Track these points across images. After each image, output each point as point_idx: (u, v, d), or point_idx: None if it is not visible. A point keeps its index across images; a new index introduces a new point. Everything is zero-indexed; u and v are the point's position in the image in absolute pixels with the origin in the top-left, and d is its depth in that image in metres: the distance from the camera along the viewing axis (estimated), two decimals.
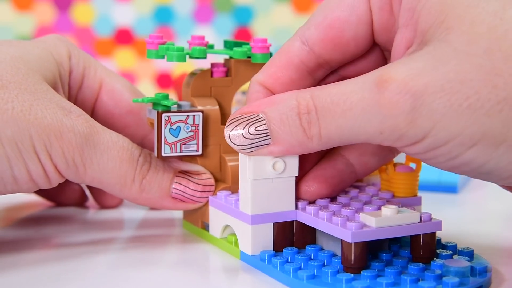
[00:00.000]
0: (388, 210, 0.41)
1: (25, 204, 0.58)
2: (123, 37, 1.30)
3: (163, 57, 0.49)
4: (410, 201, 0.46)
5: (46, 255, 0.47)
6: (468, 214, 0.58)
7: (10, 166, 0.43)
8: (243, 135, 0.40)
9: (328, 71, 0.43)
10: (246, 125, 0.40)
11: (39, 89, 0.45)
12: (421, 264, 0.41)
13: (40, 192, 0.57)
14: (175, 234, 0.51)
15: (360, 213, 0.41)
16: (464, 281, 0.39)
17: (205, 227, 0.50)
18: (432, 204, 0.59)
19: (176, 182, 0.48)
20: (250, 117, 0.40)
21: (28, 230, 0.52)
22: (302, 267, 0.41)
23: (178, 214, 0.54)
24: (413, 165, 0.48)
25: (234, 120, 0.41)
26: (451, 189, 0.62)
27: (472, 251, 0.43)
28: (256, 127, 0.40)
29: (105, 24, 1.30)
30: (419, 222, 0.41)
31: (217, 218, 0.48)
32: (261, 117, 0.40)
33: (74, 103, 0.52)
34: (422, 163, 0.48)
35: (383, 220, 0.40)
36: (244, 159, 0.44)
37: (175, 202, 0.49)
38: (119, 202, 0.57)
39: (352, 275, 0.39)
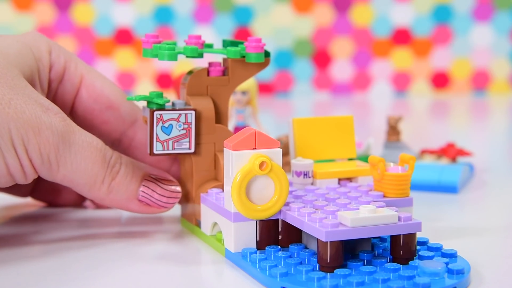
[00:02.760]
0: (366, 210, 0.40)
1: (23, 204, 0.58)
2: (123, 37, 1.30)
3: (157, 55, 0.49)
4: (401, 202, 0.46)
5: (44, 250, 0.47)
6: (468, 214, 0.58)
7: None
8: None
9: None
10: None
11: (17, 84, 0.45)
12: (398, 265, 0.40)
13: (37, 195, 0.57)
14: (172, 231, 0.51)
15: (337, 212, 0.41)
16: (438, 282, 0.38)
17: (199, 224, 0.50)
18: (432, 204, 0.59)
19: (144, 185, 0.48)
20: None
21: (24, 227, 0.52)
22: (279, 265, 0.41)
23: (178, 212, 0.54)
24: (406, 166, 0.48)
25: None
26: (451, 189, 0.62)
27: (456, 252, 0.42)
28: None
29: (105, 24, 1.30)
30: (397, 223, 0.40)
31: (207, 216, 0.48)
32: None
33: (54, 97, 0.52)
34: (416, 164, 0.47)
35: (358, 219, 0.39)
36: (227, 157, 0.44)
37: (140, 205, 0.48)
38: None
39: (324, 273, 0.39)
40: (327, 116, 0.51)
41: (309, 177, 0.49)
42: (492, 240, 0.49)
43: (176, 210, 0.54)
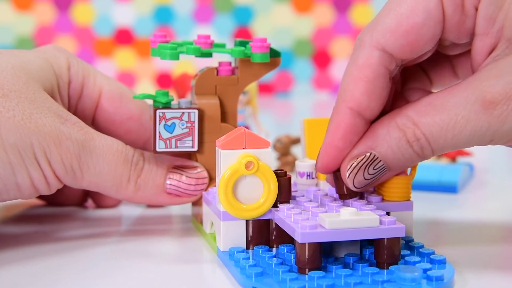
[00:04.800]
0: (347, 212, 0.39)
1: (24, 202, 0.58)
2: (123, 37, 1.31)
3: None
4: (400, 206, 0.44)
5: (45, 249, 0.46)
6: (468, 214, 0.57)
7: (14, 172, 0.44)
8: (364, 178, 0.42)
9: (400, 68, 0.44)
10: (364, 169, 0.42)
11: (38, 97, 0.46)
12: (376, 269, 0.38)
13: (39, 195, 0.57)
14: (181, 230, 0.51)
15: (318, 214, 0.39)
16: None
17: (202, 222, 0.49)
18: (432, 204, 0.59)
19: (170, 178, 0.48)
20: (364, 161, 0.42)
21: (27, 226, 0.52)
22: (260, 265, 0.40)
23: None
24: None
25: (351, 168, 0.42)
26: (451, 189, 0.61)
27: (444, 259, 0.41)
28: (374, 167, 0.42)
29: (105, 24, 1.30)
30: (378, 226, 0.39)
31: (206, 214, 0.47)
32: (375, 156, 0.41)
33: (75, 112, 0.52)
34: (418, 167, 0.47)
35: (337, 222, 0.38)
36: (218, 157, 0.43)
37: (170, 197, 0.49)
38: (118, 202, 0.57)
39: (296, 275, 0.38)
40: None
41: (313, 178, 0.48)
42: (492, 240, 0.49)
43: (187, 208, 0.54)
